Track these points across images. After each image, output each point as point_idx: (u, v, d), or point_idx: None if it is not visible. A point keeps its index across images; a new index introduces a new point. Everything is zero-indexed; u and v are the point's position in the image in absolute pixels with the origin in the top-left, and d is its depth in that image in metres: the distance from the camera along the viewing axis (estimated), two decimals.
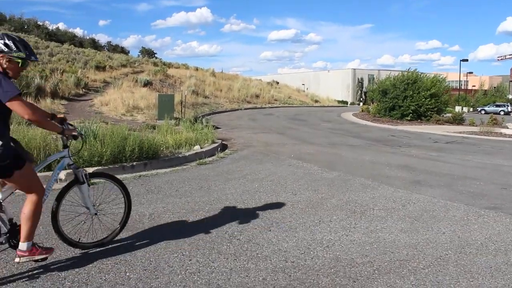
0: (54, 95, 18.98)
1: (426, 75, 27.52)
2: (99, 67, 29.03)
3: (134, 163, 8.01)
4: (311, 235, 4.73)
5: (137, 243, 4.29)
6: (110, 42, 62.42)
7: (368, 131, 18.41)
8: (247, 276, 3.64)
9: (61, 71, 23.25)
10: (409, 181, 7.83)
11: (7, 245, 3.49)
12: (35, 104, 3.80)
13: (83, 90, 22.56)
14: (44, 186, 3.62)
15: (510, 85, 72.96)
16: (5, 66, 3.24)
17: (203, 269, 3.75)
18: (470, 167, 9.66)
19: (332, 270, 3.82)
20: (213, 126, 14.33)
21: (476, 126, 21.49)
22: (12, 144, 3.37)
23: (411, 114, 24.87)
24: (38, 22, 47.04)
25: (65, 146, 3.91)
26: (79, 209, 4.25)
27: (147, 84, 26.28)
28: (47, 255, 3.55)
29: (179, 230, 4.77)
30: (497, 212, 5.92)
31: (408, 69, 27.45)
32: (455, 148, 13.40)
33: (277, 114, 26.69)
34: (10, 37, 3.29)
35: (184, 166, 8.69)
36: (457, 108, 44.68)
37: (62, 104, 18.26)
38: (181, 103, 19.49)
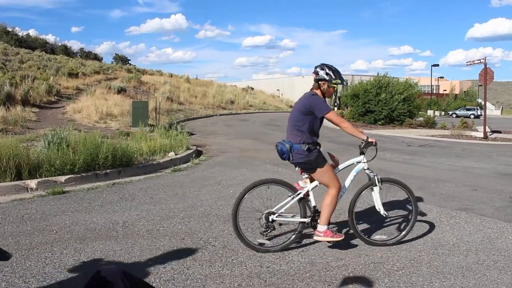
0: (25, 102, 18.55)
1: (398, 79, 27.93)
2: (72, 74, 28.55)
3: (108, 170, 7.90)
4: None
5: (110, 252, 4.23)
6: (83, 48, 61.34)
7: (343, 136, 18.55)
8: (222, 282, 3.62)
9: (32, 78, 22.76)
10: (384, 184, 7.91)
11: (309, 225, 4.47)
12: (340, 117, 4.66)
13: (55, 97, 22.14)
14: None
15: (479, 90, 74.74)
16: (323, 89, 4.29)
17: (178, 276, 3.71)
18: (442, 169, 9.84)
19: (307, 274, 3.84)
20: (188, 132, 14.26)
21: (448, 129, 21.93)
22: (317, 148, 4.32)
23: (382, 120, 25.19)
24: (8, 28, 46.18)
25: (362, 153, 4.68)
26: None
27: (121, 91, 25.95)
28: (337, 239, 4.33)
29: (153, 237, 4.72)
30: (468, 213, 6.04)
31: (378, 74, 27.77)
32: (427, 151, 13.64)
33: (252, 120, 26.71)
34: (330, 68, 4.28)
35: (159, 173, 8.62)
36: (429, 112, 45.57)
37: (33, 112, 17.88)
38: (156, 109, 19.32)
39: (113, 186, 7.36)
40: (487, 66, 19.08)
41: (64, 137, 8.21)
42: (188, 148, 11.10)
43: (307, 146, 4.22)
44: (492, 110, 73.94)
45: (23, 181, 6.83)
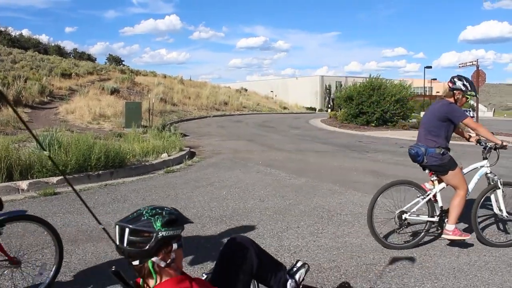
0: (17, 103, 18.45)
1: (391, 81, 28.01)
2: (65, 75, 28.42)
3: (100, 172, 7.86)
4: (279, 241, 4.74)
5: (102, 254, 4.21)
6: (76, 49, 61.17)
7: (336, 137, 18.61)
8: None
9: (25, 78, 22.65)
10: (376, 186, 7.92)
11: (437, 224, 4.76)
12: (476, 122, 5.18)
13: (48, 98, 22.03)
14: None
15: None
16: (457, 98, 4.60)
17: None
18: None
19: None
20: (181, 133, 14.24)
21: None
22: (448, 152, 4.60)
23: (375, 121, 25.25)
24: (0, 28, 45.93)
25: (485, 158, 4.91)
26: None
27: (114, 91, 25.87)
28: (464, 238, 4.56)
29: None
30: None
31: (370, 75, 27.85)
32: None
33: (245, 121, 26.70)
34: (467, 80, 4.57)
35: (151, 174, 8.59)
36: (422, 114, 45.74)
37: (25, 112, 17.78)
38: (149, 110, 19.26)
39: (106, 187, 7.33)
40: (479, 68, 19.22)
41: (56, 137, 8.17)
42: (181, 149, 11.07)
43: (442, 150, 4.54)
44: (484, 112, 74.42)
45: (14, 182, 6.79)
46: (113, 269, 1.94)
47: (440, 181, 4.80)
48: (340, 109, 30.91)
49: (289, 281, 2.62)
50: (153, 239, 1.85)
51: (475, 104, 25.07)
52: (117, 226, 1.90)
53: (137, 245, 1.84)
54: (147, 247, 1.84)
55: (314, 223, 5.46)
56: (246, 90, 54.96)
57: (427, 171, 4.81)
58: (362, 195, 7.07)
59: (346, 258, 4.30)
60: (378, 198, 4.72)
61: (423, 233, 4.73)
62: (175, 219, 1.97)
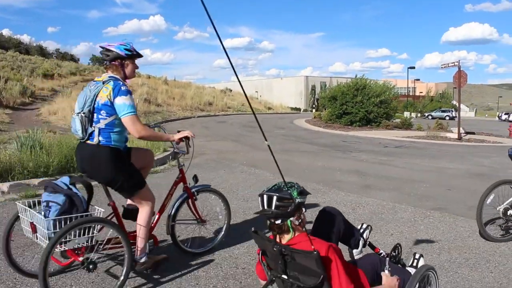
0: None
1: (375, 81, 28.27)
2: (47, 75, 28.14)
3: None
4: None
5: None
6: (58, 49, 60.36)
7: (320, 137, 18.71)
8: (197, 284, 3.62)
9: (5, 79, 22.34)
10: (360, 185, 8.01)
11: None
12: None
13: (30, 99, 21.78)
14: None
15: (454, 92, 76.08)
16: None
17: (153, 279, 3.69)
18: (417, 170, 9.99)
19: None
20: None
21: (423, 130, 22.28)
22: None
23: (359, 121, 25.44)
24: None
25: None
26: None
27: None
28: None
29: None
30: (441, 212, 6.15)
31: (356, 76, 28.08)
32: (403, 152, 13.84)
33: (230, 122, 26.68)
34: None
35: None
36: (406, 114, 46.18)
37: (6, 114, 17.53)
38: None
39: None
40: (461, 69, 19.45)
41: (37, 139, 8.07)
42: (165, 150, 11.01)
43: None
44: (466, 112, 75.52)
45: None
46: (253, 229, 2.65)
47: None
48: (325, 109, 31.08)
49: (360, 239, 3.26)
50: (292, 204, 2.50)
51: (457, 104, 25.40)
52: (265, 195, 2.55)
53: (281, 208, 2.50)
54: (289, 209, 2.50)
55: None
56: (231, 90, 54.89)
57: None
58: (345, 194, 7.13)
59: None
60: (484, 196, 4.97)
61: None
62: (304, 191, 2.61)
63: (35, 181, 7.01)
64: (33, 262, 3.81)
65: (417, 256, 3.21)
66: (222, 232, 4.57)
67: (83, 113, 3.36)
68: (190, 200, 4.28)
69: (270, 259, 2.61)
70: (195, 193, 4.33)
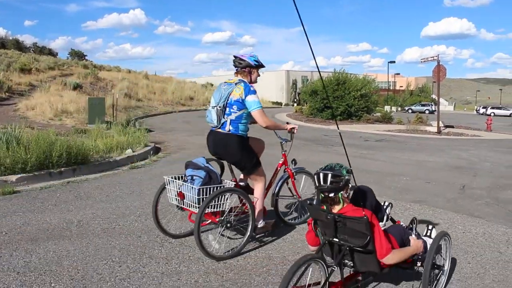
0: None
1: (356, 76, 28.43)
2: (24, 70, 27.58)
3: (62, 169, 7.68)
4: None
5: (64, 252, 4.11)
6: (36, 43, 59.48)
7: (302, 131, 18.75)
8: (179, 279, 3.60)
9: None
10: None
11: None
12: None
13: (6, 94, 21.36)
14: None
15: (433, 86, 77.06)
16: None
17: (134, 274, 3.66)
18: (397, 163, 10.10)
19: (265, 269, 3.87)
20: (146, 129, 14.06)
21: (404, 124, 22.51)
22: None
23: (340, 115, 25.57)
24: None
25: None
26: None
27: (77, 87, 25.29)
28: None
29: (108, 236, 4.63)
30: (421, 205, 6.25)
31: (335, 70, 28.16)
32: (384, 146, 13.97)
33: None
34: None
35: (116, 171, 8.46)
36: (386, 108, 46.62)
37: None
38: (113, 106, 18.93)
39: (68, 184, 7.16)
40: (440, 64, 19.69)
41: (14, 134, 7.93)
42: (146, 145, 10.93)
43: None
44: (445, 106, 76.57)
45: None
46: (308, 202, 3.38)
47: None
48: (306, 104, 31.16)
49: (385, 214, 3.84)
50: (343, 180, 3.04)
51: (436, 98, 25.70)
52: (321, 174, 3.06)
53: (335, 184, 3.02)
54: (341, 184, 3.04)
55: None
56: (212, 85, 54.60)
57: None
58: None
59: (310, 250, 4.35)
60: None
61: None
62: (350, 170, 3.14)
63: (13, 178, 6.90)
64: (171, 225, 4.83)
65: (430, 227, 3.86)
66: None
67: (219, 106, 4.33)
68: (289, 180, 5.01)
69: (323, 226, 3.12)
70: (294, 173, 5.03)
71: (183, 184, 4.25)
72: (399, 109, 61.72)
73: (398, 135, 18.44)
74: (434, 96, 74.24)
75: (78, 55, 62.68)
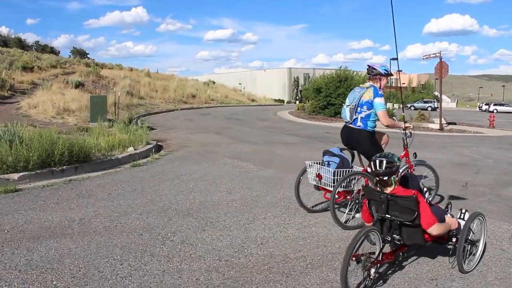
0: None
1: (358, 73, 28.34)
2: (26, 68, 27.58)
3: (64, 167, 7.68)
4: (246, 233, 4.75)
5: (65, 250, 4.12)
6: (38, 41, 59.45)
7: (304, 129, 18.74)
8: (180, 277, 3.60)
9: None
10: None
11: None
12: None
13: (9, 92, 21.35)
14: None
15: (435, 83, 76.85)
16: None
17: (135, 272, 3.66)
18: None
19: (266, 266, 3.86)
20: (148, 127, 14.05)
21: (406, 121, 22.41)
22: None
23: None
24: None
25: None
26: None
27: (79, 85, 25.27)
28: None
29: (110, 234, 4.63)
30: None
31: (340, 67, 28.10)
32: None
33: (214, 114, 26.60)
34: None
35: (117, 169, 8.46)
36: (388, 105, 46.53)
37: None
38: (115, 104, 18.92)
39: (70, 182, 7.17)
40: (443, 60, 19.63)
41: (16, 133, 7.93)
42: (148, 143, 10.93)
43: None
44: (448, 103, 76.33)
45: None
46: (364, 185, 4.43)
47: None
48: (308, 101, 31.11)
49: (424, 197, 4.09)
50: (395, 166, 3.69)
51: (438, 95, 25.61)
52: (377, 160, 3.71)
53: (388, 169, 3.66)
54: (393, 169, 3.68)
55: (281, 214, 5.50)
56: (214, 82, 54.66)
57: None
58: None
59: (312, 247, 4.35)
60: None
61: None
62: (399, 159, 3.82)
63: (15, 176, 6.91)
64: (309, 201, 5.83)
65: (463, 211, 4.19)
66: (431, 197, 5.70)
67: (352, 106, 5.20)
68: (409, 170, 5.57)
69: (376, 205, 3.69)
70: (414, 165, 5.73)
71: (321, 167, 5.30)
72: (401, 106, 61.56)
73: (400, 132, 18.38)
74: (436, 93, 74.05)
75: (80, 53, 62.69)
